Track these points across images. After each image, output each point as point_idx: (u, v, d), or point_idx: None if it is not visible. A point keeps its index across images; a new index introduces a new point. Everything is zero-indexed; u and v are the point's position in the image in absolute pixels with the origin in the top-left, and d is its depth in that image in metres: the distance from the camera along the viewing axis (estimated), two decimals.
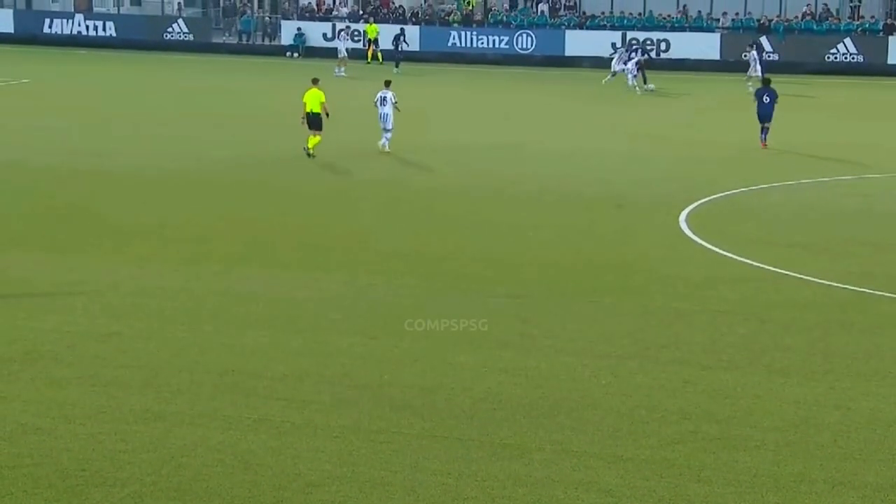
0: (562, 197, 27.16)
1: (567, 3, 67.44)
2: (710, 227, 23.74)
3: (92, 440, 12.34)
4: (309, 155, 31.16)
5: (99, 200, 26.09)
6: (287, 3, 71.88)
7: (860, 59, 59.16)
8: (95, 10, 73.21)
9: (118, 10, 72.78)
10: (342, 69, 55.66)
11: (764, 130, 34.53)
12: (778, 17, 62.34)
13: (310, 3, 70.38)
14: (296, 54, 65.04)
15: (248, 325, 16.57)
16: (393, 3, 69.68)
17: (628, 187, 28.36)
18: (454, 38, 64.53)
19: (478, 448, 12.29)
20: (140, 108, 42.68)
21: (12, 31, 69.32)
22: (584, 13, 65.64)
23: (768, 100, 34.56)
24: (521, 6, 68.94)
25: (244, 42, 68.57)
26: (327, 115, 31.30)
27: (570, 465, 11.92)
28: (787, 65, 56.63)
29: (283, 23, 68.04)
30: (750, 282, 19.65)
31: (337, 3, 70.30)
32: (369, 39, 62.42)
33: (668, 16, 63.74)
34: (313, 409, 13.32)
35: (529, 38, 63.16)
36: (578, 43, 62.21)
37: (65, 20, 70.08)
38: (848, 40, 59.57)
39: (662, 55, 60.08)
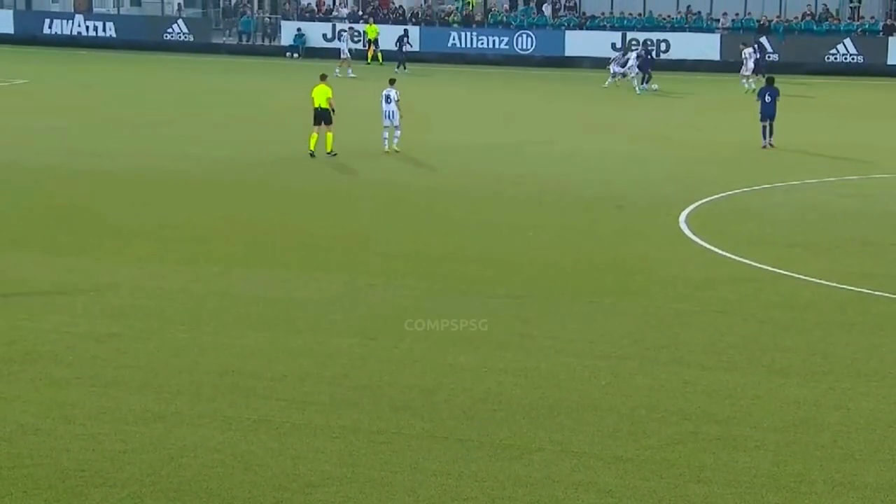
0: (562, 197, 27.15)
1: (567, 4, 67.44)
2: (711, 228, 23.74)
3: (92, 441, 12.34)
4: (312, 155, 31.29)
5: (99, 201, 26.08)
6: (287, 4, 71.84)
7: (860, 59, 59.13)
8: (95, 10, 73.17)
9: (118, 10, 72.76)
10: (349, 70, 55.58)
11: (765, 130, 34.55)
12: (778, 17, 62.32)
13: (310, 3, 70.38)
14: (296, 55, 65.01)
15: (248, 325, 16.57)
16: (393, 3, 69.67)
17: (628, 188, 28.35)
18: (454, 39, 64.50)
19: (478, 448, 12.28)
20: (140, 109, 42.65)
21: (12, 32, 69.30)
22: (584, 13, 65.63)
23: (770, 99, 34.57)
24: (521, 7, 68.90)
25: (244, 42, 68.51)
26: (333, 110, 31.45)
27: (570, 465, 11.92)
28: (787, 65, 56.56)
29: (283, 23, 68.00)
30: (750, 282, 19.65)
31: (337, 3, 70.30)
32: (369, 40, 62.39)
33: (668, 16, 63.76)
34: (313, 409, 13.32)
35: (529, 39, 63.14)
36: (578, 43, 62.18)
37: (65, 21, 70.05)
38: (848, 41, 59.55)
39: (662, 55, 60.03)
